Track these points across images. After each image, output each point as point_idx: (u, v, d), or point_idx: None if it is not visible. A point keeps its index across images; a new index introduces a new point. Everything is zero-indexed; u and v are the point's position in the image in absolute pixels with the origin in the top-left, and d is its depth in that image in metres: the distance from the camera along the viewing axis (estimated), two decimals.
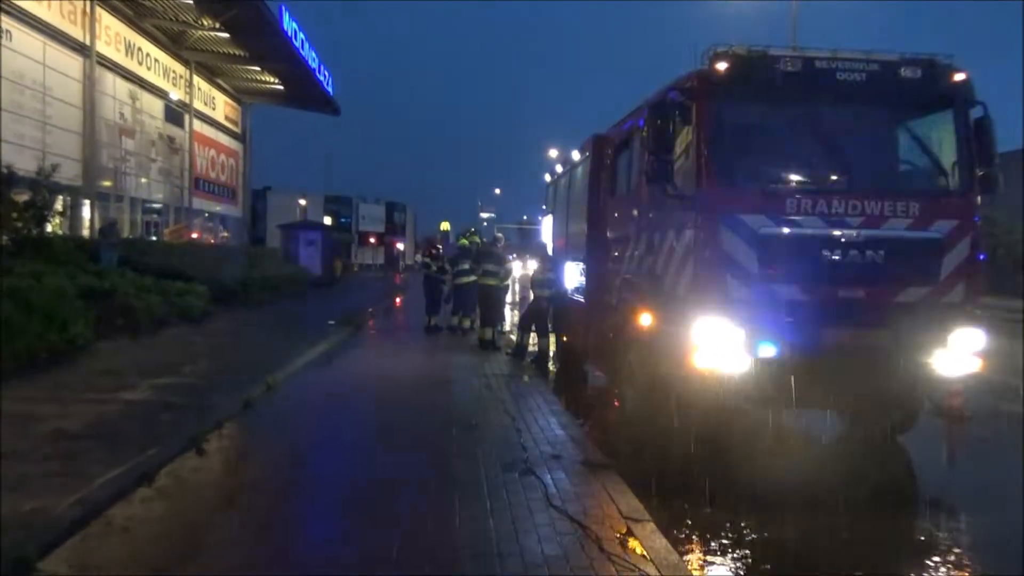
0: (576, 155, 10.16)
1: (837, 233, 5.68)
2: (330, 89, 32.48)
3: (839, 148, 5.99)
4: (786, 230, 5.72)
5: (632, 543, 4.13)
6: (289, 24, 26.09)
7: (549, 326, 11.45)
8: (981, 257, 5.71)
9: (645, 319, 6.63)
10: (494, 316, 12.39)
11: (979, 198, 5.83)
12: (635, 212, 7.27)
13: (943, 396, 5.89)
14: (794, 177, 5.96)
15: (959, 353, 5.63)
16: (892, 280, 5.69)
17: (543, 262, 11.76)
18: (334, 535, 4.18)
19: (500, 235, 13.08)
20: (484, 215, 72.71)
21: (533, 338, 11.53)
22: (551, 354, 11.46)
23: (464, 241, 14.32)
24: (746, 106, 5.88)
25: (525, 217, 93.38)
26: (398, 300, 24.82)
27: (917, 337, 5.63)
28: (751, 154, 6.02)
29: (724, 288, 5.74)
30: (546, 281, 11.41)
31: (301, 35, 27.53)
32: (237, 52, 27.70)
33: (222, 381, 8.15)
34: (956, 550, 4.57)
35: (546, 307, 11.44)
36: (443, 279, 14.02)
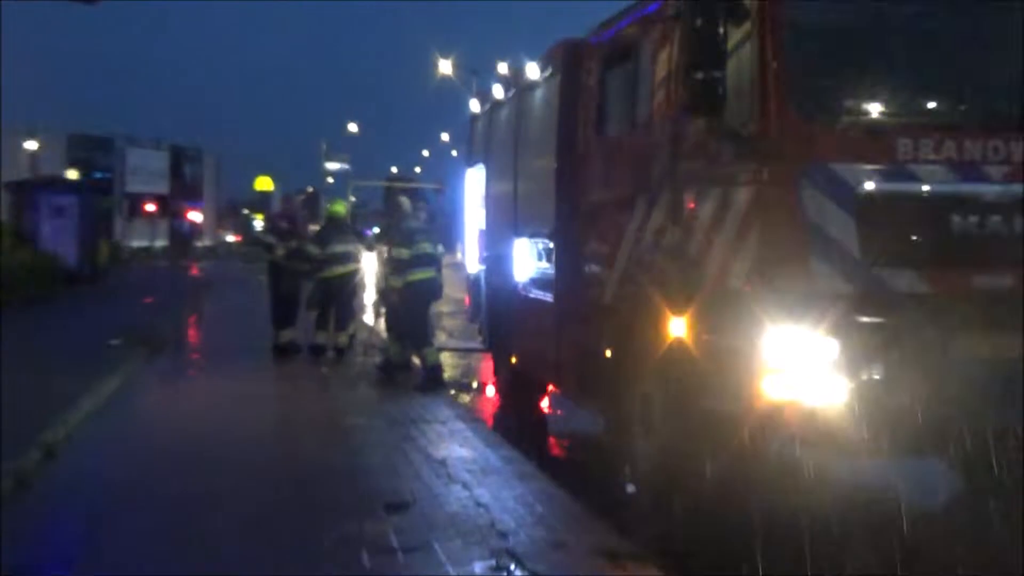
0: (533, 72, 10.15)
1: (975, 189, 5.88)
2: None
3: (966, 63, 6.20)
4: (900, 186, 5.87)
5: None
6: None
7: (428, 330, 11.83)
8: None
9: (674, 328, 6.67)
10: (420, 326, 12.30)
11: None
12: (650, 160, 7.29)
13: None
14: (905, 106, 6.12)
15: None
16: None
17: (401, 226, 11.83)
18: None
19: (404, 199, 12.97)
20: (331, 167, 71.47)
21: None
22: (440, 373, 11.65)
23: (338, 208, 14.15)
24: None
25: (395, 170, 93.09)
26: (208, 304, 24.24)
27: None
28: (842, 72, 6.13)
29: (806, 277, 5.84)
30: (419, 259, 11.46)
31: None
32: None
33: None
34: None
35: (397, 303, 11.65)
36: (302, 269, 13.77)
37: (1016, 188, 5.91)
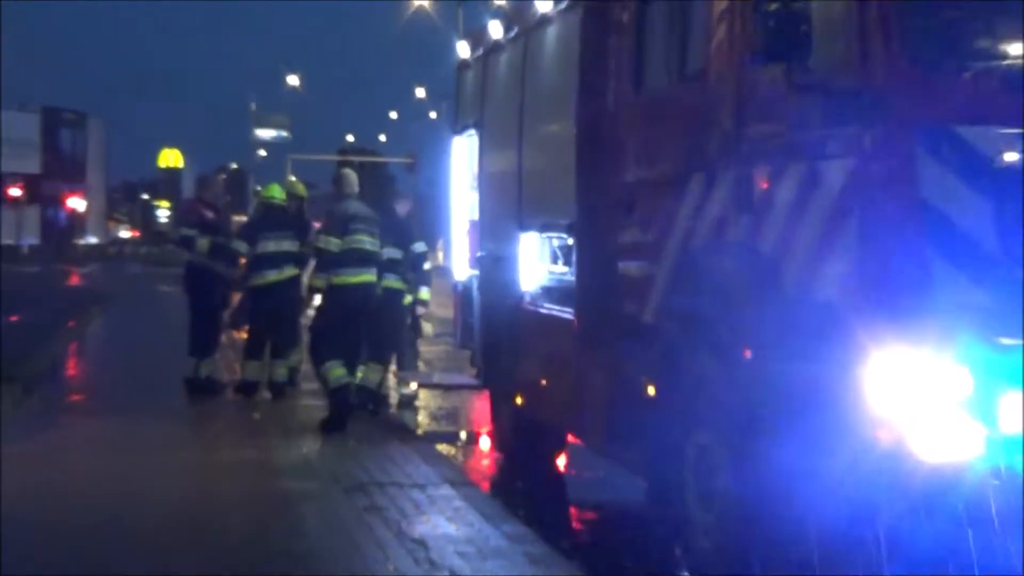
0: (543, 4, 10.18)
1: None
2: None
3: None
4: None
5: None
6: None
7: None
8: None
9: (743, 355, 6.69)
10: (384, 349, 12.60)
11: None
12: (707, 124, 7.34)
13: None
14: None
15: None
16: None
17: (336, 207, 12.05)
18: None
19: (348, 171, 12.99)
20: (263, 135, 71.68)
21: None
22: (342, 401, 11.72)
23: (274, 193, 14.12)
24: None
25: (351, 138, 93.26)
26: (96, 325, 24.19)
27: None
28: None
29: (926, 283, 5.85)
30: (352, 255, 11.63)
31: None
32: None
33: None
34: None
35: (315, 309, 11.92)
36: (231, 275, 13.86)
37: None
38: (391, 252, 12.58)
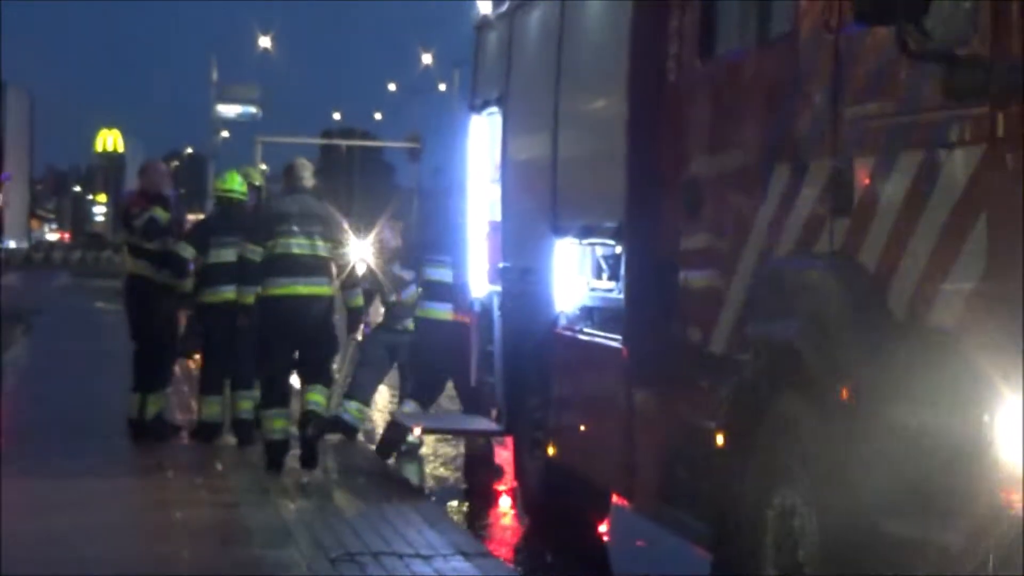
0: None
1: None
2: None
3: None
4: None
5: None
6: None
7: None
8: None
9: (837, 395, 6.66)
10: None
11: None
12: (793, 102, 7.39)
13: None
14: None
15: None
16: None
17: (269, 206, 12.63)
18: None
19: (302, 161, 13.09)
20: (226, 111, 71.84)
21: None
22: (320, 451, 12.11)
23: (232, 185, 14.08)
24: None
25: (338, 116, 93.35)
26: (14, 352, 24.44)
27: None
28: None
29: None
30: (281, 262, 11.98)
31: None
32: None
33: None
34: None
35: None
36: (183, 287, 13.99)
37: None
38: (439, 274, 12.78)
